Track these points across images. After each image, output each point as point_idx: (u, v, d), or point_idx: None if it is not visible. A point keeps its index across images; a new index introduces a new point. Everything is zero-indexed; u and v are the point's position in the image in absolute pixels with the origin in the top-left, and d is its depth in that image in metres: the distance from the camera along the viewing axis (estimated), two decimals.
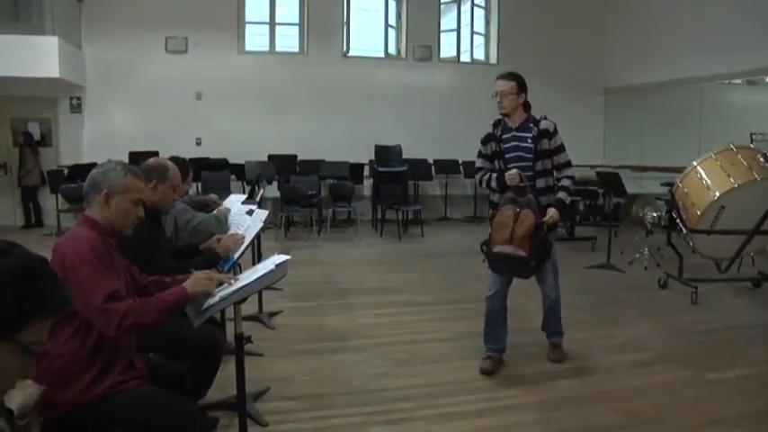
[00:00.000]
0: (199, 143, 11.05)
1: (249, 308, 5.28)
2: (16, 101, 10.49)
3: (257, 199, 4.93)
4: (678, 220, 6.17)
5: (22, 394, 2.16)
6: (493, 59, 12.36)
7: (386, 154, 11.21)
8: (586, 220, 10.17)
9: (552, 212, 3.87)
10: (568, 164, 4.05)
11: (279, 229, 9.92)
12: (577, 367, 4.21)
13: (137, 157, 9.12)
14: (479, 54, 12.58)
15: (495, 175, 4.05)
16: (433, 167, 11.60)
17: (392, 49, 12.07)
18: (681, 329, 5.07)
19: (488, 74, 12.00)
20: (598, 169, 10.49)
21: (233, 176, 10.56)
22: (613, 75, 12.40)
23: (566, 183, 4.03)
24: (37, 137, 10.66)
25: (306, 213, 10.01)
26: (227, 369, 3.37)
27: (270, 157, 10.76)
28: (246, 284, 2.40)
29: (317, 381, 3.97)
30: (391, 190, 10.56)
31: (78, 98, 10.67)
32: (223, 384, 3.40)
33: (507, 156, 4.01)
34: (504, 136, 4.04)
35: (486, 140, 4.13)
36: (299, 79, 11.22)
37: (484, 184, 4.15)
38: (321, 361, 4.32)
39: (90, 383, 2.30)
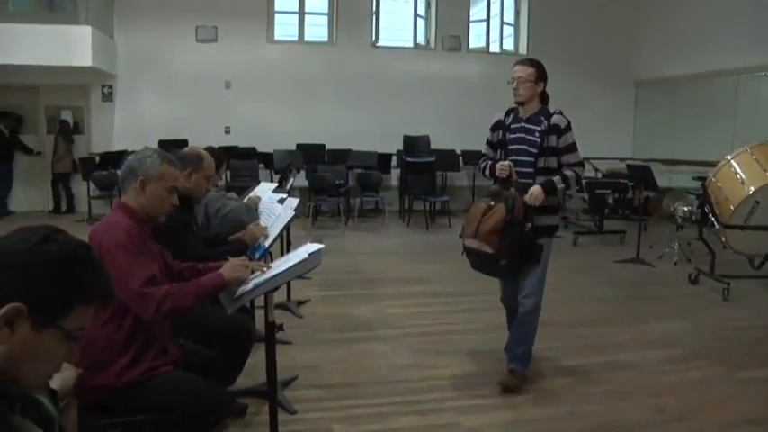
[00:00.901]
0: (228, 132, 11.10)
1: (277, 296, 5.20)
2: (50, 89, 10.66)
3: (287, 188, 4.93)
4: (710, 215, 6.07)
5: (61, 377, 2.19)
6: (522, 50, 12.21)
7: (414, 144, 11.16)
8: (615, 214, 10.04)
9: (533, 190, 3.45)
10: (579, 165, 3.62)
11: (306, 219, 9.94)
12: (607, 362, 4.16)
13: (166, 146, 9.21)
14: (509, 45, 12.45)
15: (491, 165, 3.72)
16: (460, 158, 11.48)
17: (421, 40, 11.99)
18: (712, 326, 5.00)
19: None
20: (628, 162, 10.35)
21: (261, 165, 10.61)
22: (645, 66, 12.17)
23: (568, 171, 3.58)
24: (70, 124, 10.81)
25: (333, 203, 10.02)
26: (257, 356, 3.38)
27: (298, 146, 10.78)
28: (280, 273, 2.40)
29: (344, 370, 3.99)
30: (419, 180, 10.52)
31: (110, 86, 10.78)
32: (253, 371, 3.41)
33: (510, 147, 3.66)
34: (512, 126, 3.70)
35: (494, 127, 3.81)
36: (328, 69, 11.20)
37: (482, 171, 3.82)
38: (349, 350, 4.33)
39: (125, 368, 2.33)
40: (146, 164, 2.46)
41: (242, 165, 10.41)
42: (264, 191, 4.62)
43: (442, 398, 3.59)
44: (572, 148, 3.61)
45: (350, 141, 10.97)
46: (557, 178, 3.54)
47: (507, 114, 3.79)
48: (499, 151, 3.73)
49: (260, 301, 3.49)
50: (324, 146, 11.00)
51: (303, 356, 4.22)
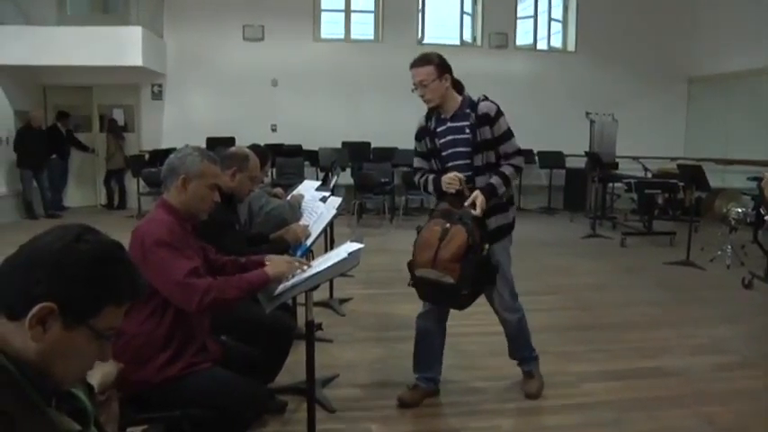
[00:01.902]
0: (274, 129, 11.23)
1: (320, 294, 5.31)
2: (103, 88, 10.99)
3: (331, 186, 4.92)
4: (766, 217, 5.84)
5: (101, 371, 2.22)
6: (571, 47, 12.02)
7: None
8: (665, 215, 9.79)
9: (475, 196, 3.09)
10: (518, 152, 3.26)
11: (351, 216, 9.96)
12: (654, 367, 4.04)
13: (214, 143, 9.38)
14: (557, 41, 12.27)
15: (432, 177, 3.31)
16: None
17: (467, 37, 11.91)
18: (766, 333, 4.80)
19: (566, 62, 11.83)
20: (679, 161, 10.06)
21: (307, 162, 10.71)
22: (698, 62, 11.82)
23: (506, 169, 3.20)
24: (121, 123, 11.11)
25: (378, 201, 10.02)
26: (297, 354, 3.38)
27: (344, 144, 10.82)
28: (319, 272, 2.39)
29: (385, 369, 3.96)
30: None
31: (159, 85, 11.04)
32: (293, 369, 3.41)
33: (444, 153, 3.27)
34: (438, 129, 3.30)
35: (419, 135, 3.40)
36: (374, 67, 11.19)
37: (422, 188, 3.40)
38: (390, 350, 4.30)
39: (164, 364, 2.34)
40: (187, 162, 2.46)
41: (288, 162, 10.54)
42: (307, 189, 4.64)
43: (482, 400, 3.53)
44: (507, 135, 3.23)
45: (395, 139, 10.93)
46: (496, 180, 3.17)
47: (429, 118, 3.37)
48: (434, 161, 3.35)
49: (301, 298, 3.51)
50: (369, 144, 11.01)
51: (344, 355, 4.21)
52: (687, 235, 7.31)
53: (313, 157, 10.67)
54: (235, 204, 3.38)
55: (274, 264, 2.51)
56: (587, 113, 11.09)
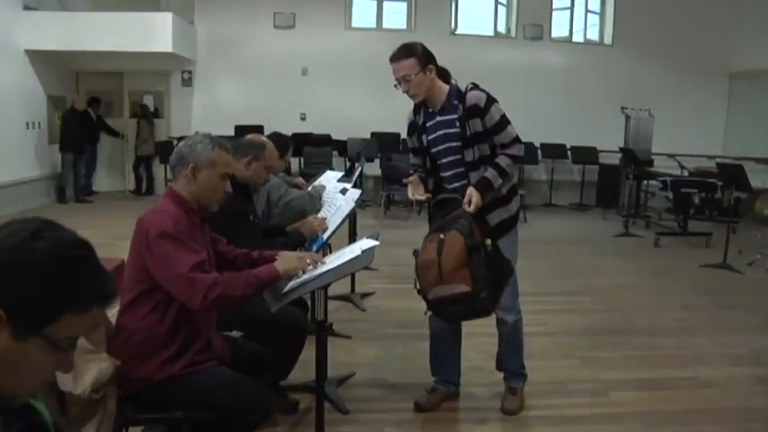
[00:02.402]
0: (303, 118, 11.12)
1: (341, 288, 5.19)
2: (133, 74, 11.00)
3: (354, 177, 4.76)
4: None
5: (97, 369, 2.11)
6: (608, 40, 11.67)
7: None
8: (702, 214, 9.45)
9: (470, 194, 2.87)
10: (515, 141, 2.99)
11: (378, 208, 9.81)
12: (688, 377, 3.81)
13: (242, 131, 9.33)
14: (593, 34, 11.91)
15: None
16: (539, 151, 11.14)
17: (501, 28, 11.64)
18: None
19: (602, 55, 11.51)
20: (718, 160, 9.71)
21: (335, 152, 10.58)
22: (741, 57, 11.34)
23: (501, 160, 2.95)
24: (151, 109, 11.11)
25: (406, 193, 9.82)
26: (313, 350, 3.24)
27: (373, 134, 10.65)
28: (330, 269, 2.25)
29: (404, 369, 3.81)
30: None
31: (189, 72, 10.99)
32: (307, 366, 3.25)
33: (434, 149, 3.06)
34: (428, 124, 3.07)
35: (409, 132, 3.21)
36: None
37: None
38: (410, 348, 4.13)
39: (166, 362, 2.23)
40: (197, 150, 2.33)
41: (316, 152, 10.43)
42: (329, 180, 4.49)
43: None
44: (502, 124, 2.96)
45: None
46: (491, 173, 2.93)
47: (416, 112, 3.14)
48: (426, 159, 3.13)
49: (320, 293, 3.38)
50: (399, 135, 10.80)
51: (362, 352, 4.07)
52: (725, 236, 7.00)
53: (342, 146, 10.53)
54: (250, 194, 3.24)
55: (285, 259, 2.36)
56: (623, 108, 10.78)
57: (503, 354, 3.35)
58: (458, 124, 2.98)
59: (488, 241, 2.82)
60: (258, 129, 10.06)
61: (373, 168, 10.16)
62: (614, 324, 4.76)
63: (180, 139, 9.09)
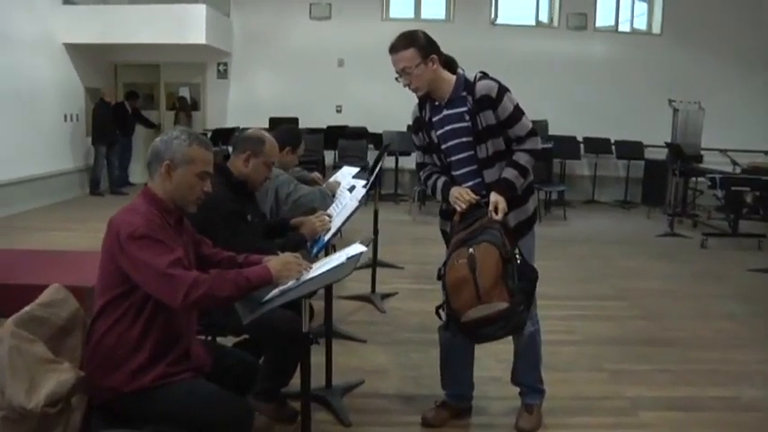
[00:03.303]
0: (339, 111, 11.03)
1: (360, 286, 5.02)
2: (170, 66, 11.09)
3: (376, 171, 4.52)
4: None
5: (55, 380, 1.95)
6: (656, 29, 11.16)
7: None
8: (755, 214, 8.91)
9: (495, 201, 2.67)
10: (531, 133, 2.77)
11: (413, 203, 9.57)
12: (729, 397, 3.45)
13: (276, 123, 9.35)
14: (640, 23, 11.42)
15: (441, 182, 2.86)
16: (582, 146, 10.76)
17: (544, 17, 11.27)
18: None
19: (650, 45, 11.00)
20: None
21: (371, 146, 10.39)
22: None
23: (520, 157, 2.75)
24: (188, 101, 11.20)
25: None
26: (318, 355, 3.04)
27: (409, 127, 10.37)
28: (309, 279, 2.04)
29: (417, 378, 3.59)
30: (534, 167, 9.83)
31: (225, 64, 11.03)
32: (315, 371, 3.07)
33: (444, 146, 2.82)
34: (434, 118, 2.84)
35: (415, 128, 2.95)
36: (444, 47, 10.30)
37: (429, 191, 2.98)
38: (427, 355, 3.87)
39: (136, 371, 2.08)
40: (172, 146, 2.15)
41: (351, 145, 10.32)
42: (345, 176, 4.29)
43: None
44: (516, 116, 2.74)
45: None
46: (510, 173, 2.72)
47: (422, 107, 2.90)
48: (436, 157, 2.90)
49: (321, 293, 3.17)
50: None
51: (375, 358, 3.87)
52: None
53: (377, 139, 10.31)
54: (250, 193, 3.04)
55: (282, 263, 2.16)
56: (670, 101, 10.29)
57: (518, 367, 3.09)
58: (467, 117, 2.75)
59: (516, 250, 2.62)
60: (293, 121, 10.01)
61: (409, 162, 9.94)
62: (649, 333, 4.42)
63: (214, 131, 9.13)
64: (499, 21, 11.02)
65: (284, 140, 3.76)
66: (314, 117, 10.44)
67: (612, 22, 11.29)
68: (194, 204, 2.22)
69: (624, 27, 11.36)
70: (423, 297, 5.02)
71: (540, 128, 10.32)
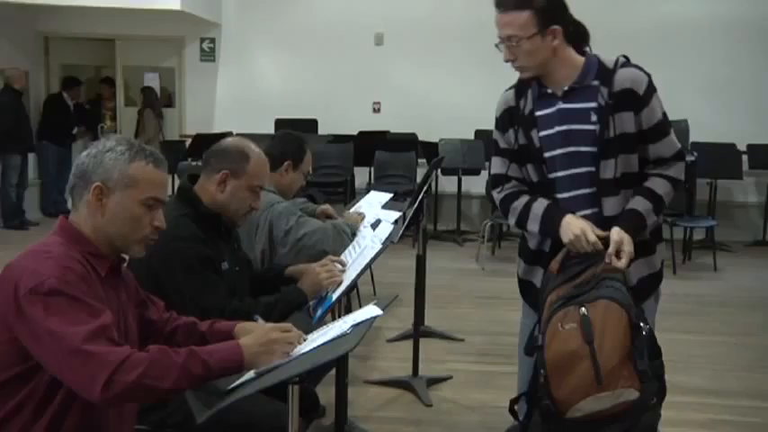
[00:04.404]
0: (376, 110, 11.28)
1: (398, 366, 5.08)
2: (130, 42, 11.29)
3: (420, 197, 4.58)
4: None
5: None
6: None
7: None
8: None
9: (619, 241, 2.66)
10: (679, 156, 2.81)
11: (482, 244, 9.52)
12: None
13: (284, 126, 9.32)
14: None
15: (541, 204, 2.87)
16: (744, 158, 10.65)
17: None
18: None
19: None
20: None
21: (422, 160, 10.42)
22: None
23: (658, 186, 2.79)
24: (157, 93, 11.39)
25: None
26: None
27: (478, 133, 10.50)
28: (298, 356, 2.11)
29: None
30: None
31: (211, 41, 11.26)
32: None
33: (549, 154, 2.83)
34: (539, 113, 2.85)
35: (503, 123, 2.97)
36: None
37: (513, 220, 2.98)
38: None
39: None
40: (104, 162, 2.23)
41: (393, 159, 10.39)
42: (372, 204, 4.37)
43: None
44: (663, 127, 2.79)
45: None
46: (643, 205, 2.75)
47: (520, 94, 2.93)
48: (531, 168, 2.93)
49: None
50: None
51: None
52: None
53: (431, 151, 10.36)
54: (227, 230, 3.14)
55: (259, 342, 2.21)
56: None
57: None
58: (595, 118, 2.78)
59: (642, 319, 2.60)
60: (310, 123, 10.17)
61: (477, 183, 9.95)
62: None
63: (195, 137, 9.29)
64: None
65: (281, 152, 3.87)
66: (340, 119, 10.61)
67: None
68: (140, 246, 2.29)
69: None
70: (489, 383, 5.10)
71: (677, 132, 10.42)
